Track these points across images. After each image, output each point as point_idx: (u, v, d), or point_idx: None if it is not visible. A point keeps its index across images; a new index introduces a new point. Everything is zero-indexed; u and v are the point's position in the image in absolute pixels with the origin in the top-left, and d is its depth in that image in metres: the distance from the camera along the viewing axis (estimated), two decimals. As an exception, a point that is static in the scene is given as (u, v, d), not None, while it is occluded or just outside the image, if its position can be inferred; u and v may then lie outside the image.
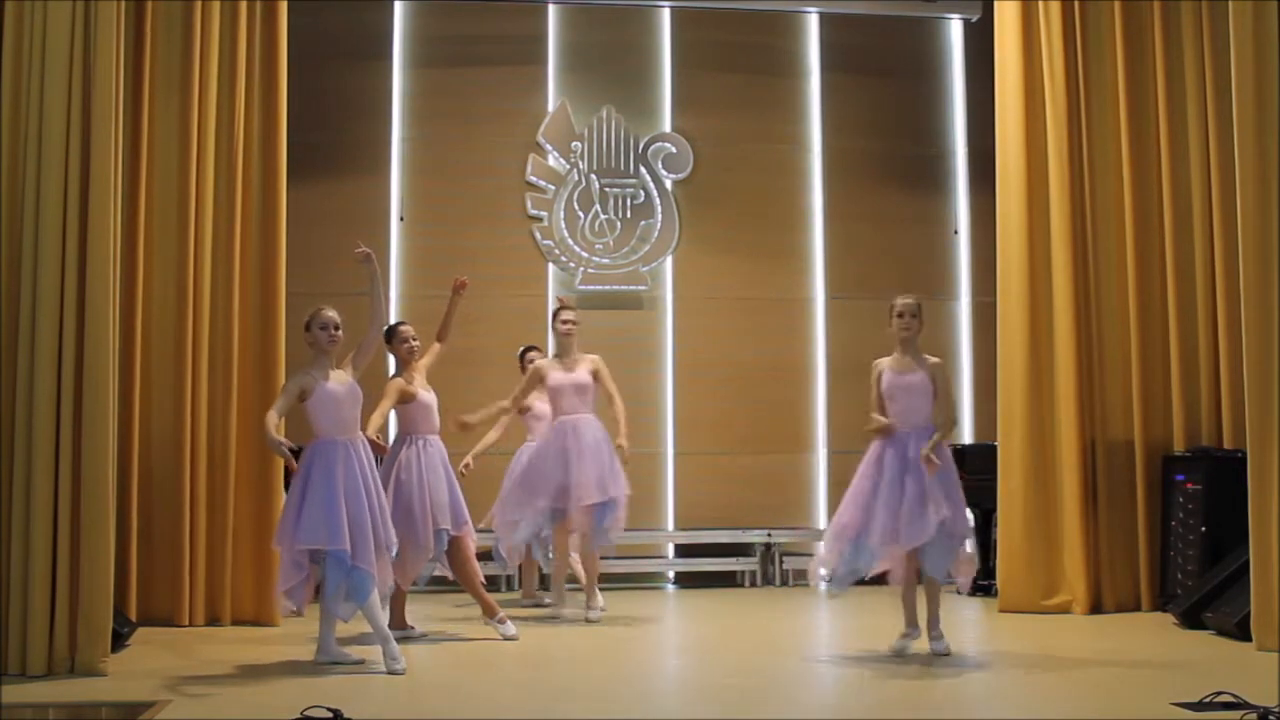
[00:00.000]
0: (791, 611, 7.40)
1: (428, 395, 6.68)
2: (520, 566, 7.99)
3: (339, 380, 5.85)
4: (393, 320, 7.15)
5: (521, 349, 8.02)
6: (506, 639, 6.51)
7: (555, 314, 7.48)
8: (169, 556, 6.92)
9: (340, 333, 5.90)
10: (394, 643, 5.74)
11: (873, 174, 9.74)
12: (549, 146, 9.48)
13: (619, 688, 5.54)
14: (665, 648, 6.98)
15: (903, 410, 6.06)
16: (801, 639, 6.90)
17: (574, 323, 7.35)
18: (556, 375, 7.25)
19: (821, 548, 6.34)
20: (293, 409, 5.91)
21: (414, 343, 6.67)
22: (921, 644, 6.06)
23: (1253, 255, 6.23)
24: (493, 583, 7.94)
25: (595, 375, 7.29)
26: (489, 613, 6.62)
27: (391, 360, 6.85)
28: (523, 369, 7.78)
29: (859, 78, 9.74)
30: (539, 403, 7.58)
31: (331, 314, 5.89)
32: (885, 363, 6.21)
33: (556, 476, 7.08)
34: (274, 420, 5.69)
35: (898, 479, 5.94)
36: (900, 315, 6.16)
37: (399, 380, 6.61)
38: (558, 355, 7.38)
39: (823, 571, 6.28)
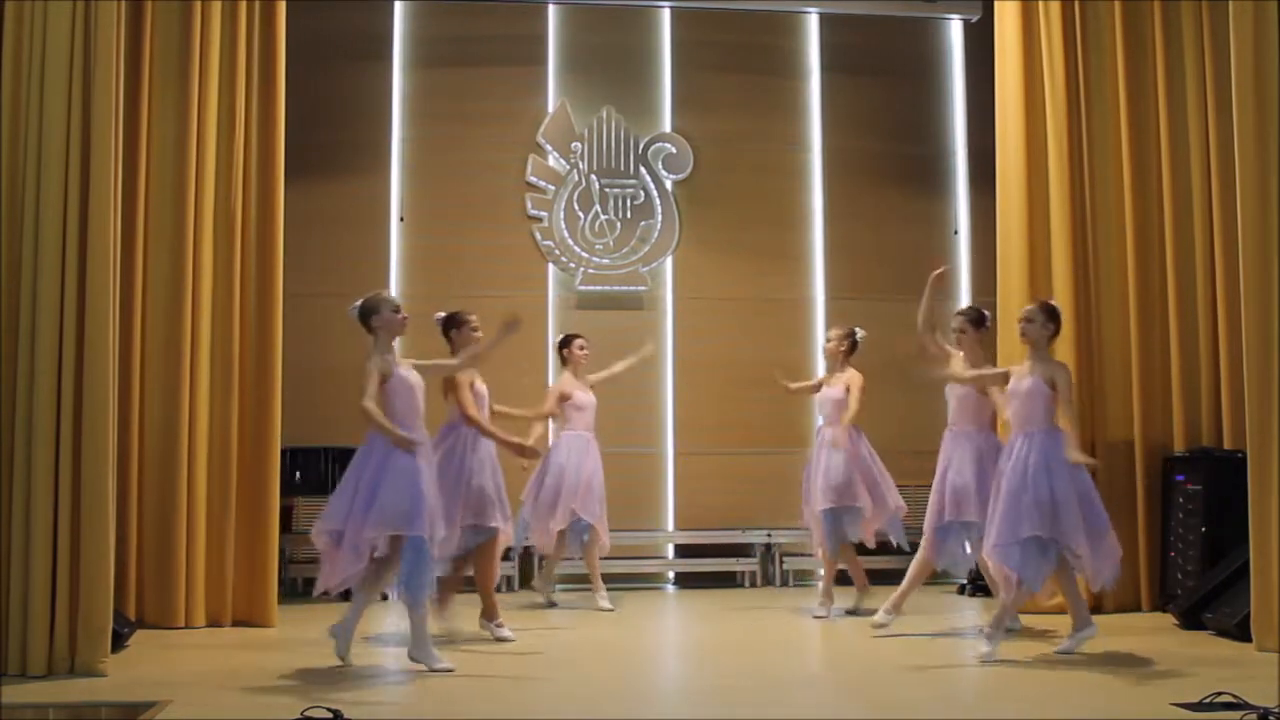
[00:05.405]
0: (792, 612, 7.39)
1: (481, 388, 6.57)
2: (542, 559, 7.98)
3: (407, 368, 5.79)
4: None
5: (562, 336, 8.00)
6: (499, 641, 6.47)
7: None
8: (169, 557, 6.91)
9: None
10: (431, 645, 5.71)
11: (872, 174, 9.74)
12: (549, 147, 9.48)
13: (619, 688, 5.54)
14: (665, 648, 6.98)
15: None
16: (801, 639, 6.90)
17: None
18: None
19: None
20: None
21: (479, 333, 6.52)
22: None
23: (1253, 255, 6.23)
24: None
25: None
26: (489, 615, 6.59)
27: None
28: (563, 359, 7.88)
29: (859, 78, 9.75)
30: (578, 392, 7.71)
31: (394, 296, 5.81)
32: None
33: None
34: (381, 413, 5.53)
35: None
36: None
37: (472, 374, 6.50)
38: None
39: None
